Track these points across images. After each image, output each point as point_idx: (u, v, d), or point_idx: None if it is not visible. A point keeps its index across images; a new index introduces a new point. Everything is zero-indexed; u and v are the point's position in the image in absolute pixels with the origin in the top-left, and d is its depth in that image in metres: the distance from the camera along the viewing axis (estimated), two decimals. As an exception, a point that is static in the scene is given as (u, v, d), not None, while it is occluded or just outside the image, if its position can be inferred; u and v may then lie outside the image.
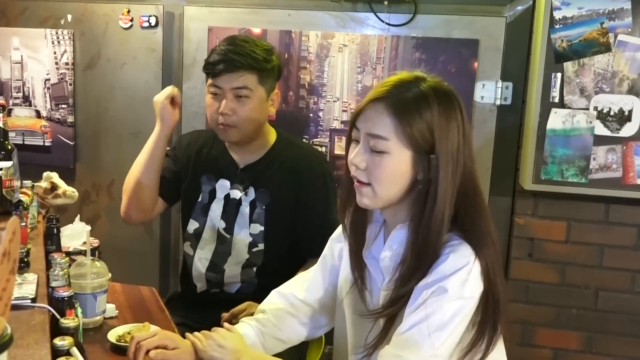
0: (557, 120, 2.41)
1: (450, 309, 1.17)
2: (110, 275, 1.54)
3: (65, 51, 2.92)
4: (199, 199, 2.01)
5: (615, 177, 2.41)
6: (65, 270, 1.35)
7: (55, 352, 1.07)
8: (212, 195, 2.00)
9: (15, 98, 2.99)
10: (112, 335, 1.43)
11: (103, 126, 2.96)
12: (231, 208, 1.97)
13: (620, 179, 2.41)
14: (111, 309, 1.56)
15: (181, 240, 2.20)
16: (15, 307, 1.18)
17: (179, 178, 2.06)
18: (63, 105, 2.96)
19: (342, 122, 2.71)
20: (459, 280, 1.18)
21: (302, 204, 1.94)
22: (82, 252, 1.69)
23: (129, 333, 1.43)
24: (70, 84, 2.94)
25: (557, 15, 2.37)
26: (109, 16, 2.87)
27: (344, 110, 2.71)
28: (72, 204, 2.14)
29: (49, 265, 1.44)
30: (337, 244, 1.49)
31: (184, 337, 1.45)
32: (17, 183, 1.71)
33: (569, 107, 2.41)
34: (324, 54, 2.70)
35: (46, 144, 2.98)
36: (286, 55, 2.72)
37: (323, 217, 1.93)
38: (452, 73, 2.60)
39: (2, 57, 2.99)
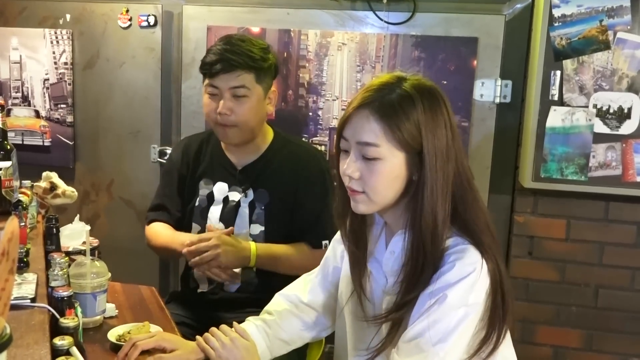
0: (556, 118, 2.41)
1: (454, 317, 1.16)
2: (109, 274, 1.54)
3: (64, 51, 2.92)
4: (197, 204, 2.01)
5: (615, 175, 2.41)
6: (65, 270, 1.35)
7: (55, 351, 1.07)
8: (210, 198, 1.99)
9: (14, 98, 2.99)
10: (112, 335, 1.43)
11: (102, 126, 2.96)
12: (230, 210, 1.96)
13: (619, 177, 2.41)
14: (111, 309, 1.56)
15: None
16: (14, 307, 1.18)
17: (182, 199, 2.07)
18: (62, 105, 2.96)
19: (338, 122, 2.71)
20: (463, 288, 1.17)
21: (299, 201, 1.94)
22: (81, 252, 1.69)
23: (128, 333, 1.43)
24: (69, 84, 2.94)
25: (556, 13, 2.37)
26: (107, 16, 2.87)
27: (343, 109, 2.70)
28: (71, 204, 2.14)
29: (48, 265, 1.44)
30: (339, 246, 1.47)
31: (184, 337, 1.45)
32: (16, 183, 1.71)
33: (569, 105, 2.40)
34: (323, 52, 2.70)
35: (45, 143, 2.98)
36: (285, 54, 2.72)
37: (319, 213, 1.93)
38: (451, 71, 2.60)
39: (1, 57, 2.98)
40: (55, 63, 2.94)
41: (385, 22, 2.62)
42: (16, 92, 2.99)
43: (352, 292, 1.37)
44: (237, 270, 1.93)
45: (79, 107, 2.97)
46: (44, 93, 2.97)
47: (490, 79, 2.58)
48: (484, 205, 1.28)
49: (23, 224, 1.62)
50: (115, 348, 1.39)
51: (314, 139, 2.74)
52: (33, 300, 1.29)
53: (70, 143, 2.97)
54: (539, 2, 2.42)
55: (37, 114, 2.98)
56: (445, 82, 2.60)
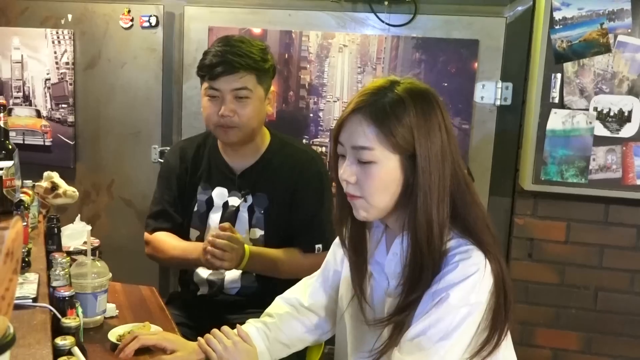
0: (557, 120, 2.41)
1: (457, 317, 1.16)
2: (110, 275, 1.54)
3: (65, 51, 2.92)
4: (195, 209, 1.99)
5: (615, 178, 2.41)
6: (66, 270, 1.35)
7: (57, 351, 1.07)
8: (210, 204, 1.97)
9: (16, 98, 2.99)
10: (113, 335, 1.43)
11: (103, 126, 2.97)
12: (229, 215, 1.95)
13: (619, 180, 2.41)
14: (111, 309, 1.56)
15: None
16: (16, 307, 1.17)
17: (180, 204, 2.05)
18: (63, 105, 2.96)
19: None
20: (466, 288, 1.17)
21: (296, 203, 1.93)
22: (82, 252, 1.69)
23: (129, 333, 1.43)
24: (71, 84, 2.94)
25: (557, 15, 2.37)
26: (109, 16, 2.87)
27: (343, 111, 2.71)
28: (72, 204, 2.14)
29: (49, 264, 1.44)
30: (339, 249, 1.47)
31: (183, 337, 1.45)
32: (18, 183, 1.70)
33: (569, 108, 2.41)
34: (324, 54, 2.70)
35: (46, 143, 2.98)
36: (286, 55, 2.73)
37: (313, 215, 1.92)
38: (452, 73, 2.60)
39: (2, 57, 2.99)
40: (56, 63, 2.94)
41: (387, 24, 2.62)
42: (17, 92, 2.99)
43: (353, 296, 1.37)
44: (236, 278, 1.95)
45: (80, 107, 2.97)
46: (45, 93, 2.97)
47: (491, 82, 2.59)
48: (482, 205, 1.29)
49: (25, 223, 1.61)
50: (116, 348, 1.39)
51: (315, 140, 2.75)
52: (35, 300, 1.29)
53: (71, 143, 2.97)
54: (540, 5, 2.42)
55: (39, 114, 2.99)
56: (445, 84, 2.60)
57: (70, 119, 2.96)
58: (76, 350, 1.09)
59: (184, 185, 2.03)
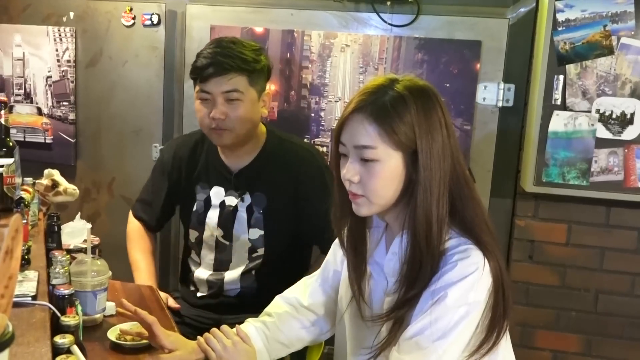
0: (559, 122, 2.41)
1: (455, 316, 1.16)
2: (110, 273, 1.54)
3: (67, 48, 2.92)
4: (194, 209, 1.97)
5: (617, 180, 2.41)
6: (66, 268, 1.34)
7: (56, 349, 1.06)
8: (207, 203, 1.95)
9: (17, 95, 2.99)
10: (112, 333, 1.42)
11: (104, 124, 2.96)
12: (227, 215, 1.92)
13: (621, 182, 2.41)
14: (111, 307, 1.56)
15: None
16: (16, 305, 1.17)
17: (170, 201, 2.07)
18: (64, 103, 2.96)
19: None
20: (464, 287, 1.17)
21: (302, 202, 1.90)
22: (82, 250, 1.69)
23: (132, 328, 1.43)
24: (72, 82, 2.94)
25: (560, 17, 2.37)
26: (111, 14, 2.87)
27: (345, 111, 2.70)
28: (72, 202, 2.14)
29: (49, 262, 1.44)
30: (339, 250, 1.46)
31: (184, 336, 1.45)
32: (18, 180, 1.70)
33: (571, 110, 2.40)
34: (326, 53, 2.70)
35: (47, 141, 2.98)
36: (288, 54, 2.72)
37: (326, 211, 1.89)
38: (454, 74, 2.60)
39: (4, 54, 2.99)
40: (58, 60, 2.94)
41: (389, 24, 2.62)
42: (19, 89, 2.99)
43: (352, 297, 1.37)
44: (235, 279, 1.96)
45: (81, 105, 2.97)
46: (47, 90, 2.97)
47: (493, 83, 2.58)
48: (482, 203, 1.29)
49: (25, 221, 1.61)
50: (115, 346, 1.39)
51: (316, 140, 2.74)
52: (34, 298, 1.29)
53: (72, 141, 2.97)
54: (543, 7, 2.42)
55: (40, 111, 2.98)
56: (448, 85, 2.60)
57: (71, 116, 2.96)
58: (75, 348, 1.08)
59: (177, 185, 2.01)
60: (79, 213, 1.98)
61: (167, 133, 2.90)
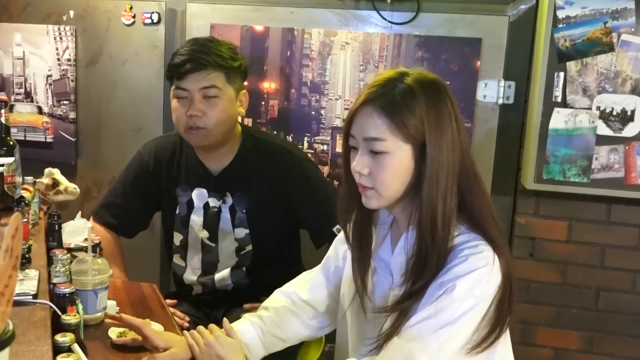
0: (559, 119, 2.41)
1: (461, 307, 1.17)
2: (111, 271, 1.54)
3: (67, 47, 2.92)
4: (177, 212, 1.96)
5: (618, 177, 2.41)
6: (67, 267, 1.35)
7: (57, 348, 1.06)
8: (190, 205, 1.94)
9: (17, 94, 2.99)
10: (113, 332, 1.43)
11: (104, 123, 2.96)
12: (212, 217, 1.91)
13: (622, 179, 2.41)
14: (112, 306, 1.56)
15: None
16: (16, 304, 1.17)
17: (148, 206, 2.02)
18: (65, 102, 2.96)
19: (344, 120, 2.71)
20: (473, 280, 1.18)
21: (283, 197, 1.88)
22: (83, 249, 1.69)
23: (129, 330, 1.43)
24: (72, 80, 2.94)
25: (561, 14, 2.36)
26: (111, 12, 2.87)
27: (345, 109, 2.70)
28: (73, 201, 2.14)
29: (50, 261, 1.44)
30: (342, 246, 1.48)
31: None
32: (19, 179, 1.70)
33: (572, 107, 2.40)
34: (327, 51, 2.70)
35: (48, 140, 2.98)
36: (288, 52, 2.72)
37: (314, 204, 1.89)
38: (454, 72, 2.59)
39: (4, 53, 2.99)
40: (58, 59, 2.94)
41: (389, 21, 2.62)
42: (19, 88, 2.99)
43: (355, 294, 1.37)
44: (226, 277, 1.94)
45: (81, 104, 2.97)
46: (47, 89, 2.97)
47: (494, 80, 2.58)
48: (489, 196, 1.30)
49: (25, 220, 1.61)
50: (116, 345, 1.39)
51: (316, 138, 2.74)
52: (35, 296, 1.29)
53: (73, 140, 2.97)
54: (543, 3, 2.41)
55: (40, 110, 2.98)
56: (448, 83, 2.54)
57: (72, 115, 2.96)
58: (76, 347, 1.08)
59: (155, 187, 1.98)
60: (80, 212, 1.97)
61: (168, 131, 2.89)
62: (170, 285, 2.86)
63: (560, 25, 2.37)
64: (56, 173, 2.08)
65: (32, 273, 1.42)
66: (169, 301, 1.95)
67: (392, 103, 1.20)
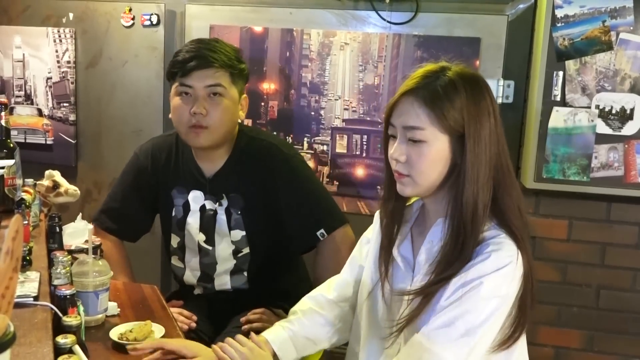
0: (558, 118, 2.41)
1: (486, 308, 1.18)
2: (112, 273, 1.54)
3: (67, 49, 2.92)
4: (173, 214, 1.94)
5: (617, 176, 2.41)
6: (68, 269, 1.35)
7: (58, 350, 1.07)
8: (186, 208, 1.92)
9: (17, 96, 2.99)
10: (114, 334, 1.43)
11: (105, 124, 2.97)
12: (208, 219, 1.90)
13: (622, 178, 2.41)
14: (113, 307, 1.56)
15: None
16: (17, 305, 1.17)
17: (147, 207, 2.01)
18: (65, 104, 2.96)
19: (344, 120, 2.71)
20: (497, 279, 1.19)
21: (274, 195, 1.86)
22: (84, 251, 1.69)
23: (130, 331, 1.43)
24: (72, 82, 2.94)
25: (559, 13, 2.36)
26: (110, 14, 2.87)
27: (345, 109, 2.71)
28: (74, 202, 2.14)
29: (51, 263, 1.44)
30: (365, 246, 1.51)
31: (186, 335, 1.45)
32: (19, 181, 1.71)
33: (571, 106, 2.40)
34: (326, 52, 2.70)
35: (48, 142, 2.99)
36: (288, 53, 2.73)
37: (304, 202, 1.87)
38: (453, 71, 2.59)
39: (4, 56, 2.99)
40: (58, 61, 2.94)
41: (388, 22, 2.62)
42: (19, 91, 2.99)
43: (372, 289, 1.40)
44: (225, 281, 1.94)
45: (81, 106, 2.97)
46: (47, 91, 2.97)
47: (493, 79, 2.58)
48: (520, 191, 1.32)
49: (26, 222, 1.62)
50: (117, 346, 1.39)
51: (316, 138, 2.74)
52: (36, 298, 1.29)
53: (73, 141, 2.98)
54: (542, 3, 2.42)
55: (40, 113, 2.99)
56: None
57: (72, 117, 2.96)
58: (77, 348, 1.08)
59: (152, 188, 1.97)
60: (80, 214, 1.98)
61: (168, 133, 2.90)
62: (172, 285, 2.87)
63: (559, 24, 2.37)
64: (56, 175, 2.08)
65: (33, 275, 1.42)
66: (175, 302, 1.95)
67: (433, 94, 1.23)
